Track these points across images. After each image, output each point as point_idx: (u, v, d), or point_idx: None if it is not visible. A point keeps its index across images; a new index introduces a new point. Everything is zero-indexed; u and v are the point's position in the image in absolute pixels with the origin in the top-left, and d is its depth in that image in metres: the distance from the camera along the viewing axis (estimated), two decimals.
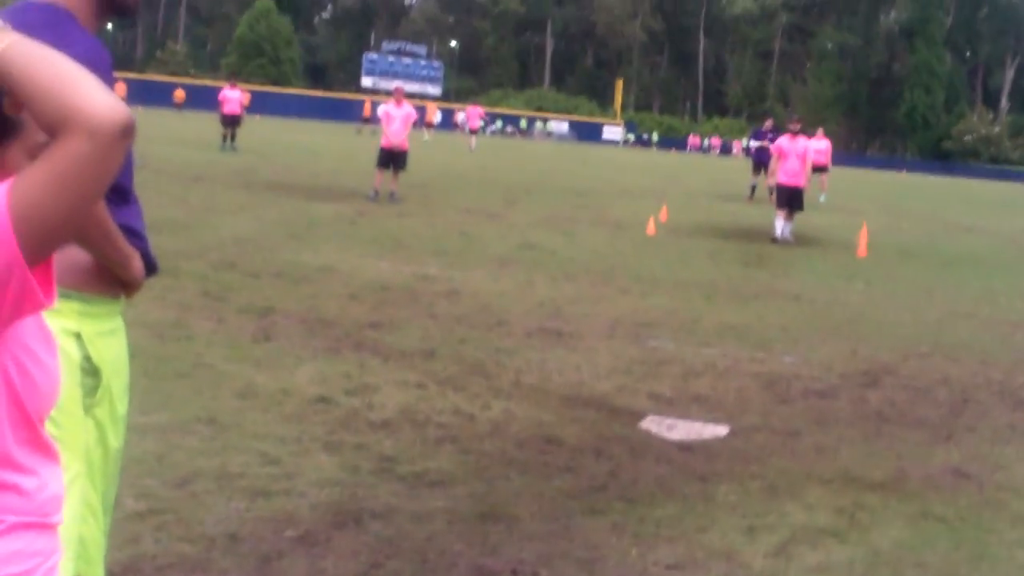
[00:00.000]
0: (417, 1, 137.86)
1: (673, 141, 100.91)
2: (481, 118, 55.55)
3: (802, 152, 17.23)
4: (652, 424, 5.94)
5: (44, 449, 1.60)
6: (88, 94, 1.38)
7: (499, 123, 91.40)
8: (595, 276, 11.42)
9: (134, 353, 5.94)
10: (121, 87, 38.94)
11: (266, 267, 10.10)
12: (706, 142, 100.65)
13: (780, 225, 16.86)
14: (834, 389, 7.09)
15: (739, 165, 53.40)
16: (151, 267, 2.63)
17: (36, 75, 1.38)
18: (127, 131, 1.39)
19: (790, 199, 16.99)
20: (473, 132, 50.93)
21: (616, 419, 5.99)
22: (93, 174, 1.39)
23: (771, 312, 10.02)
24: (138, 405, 5.34)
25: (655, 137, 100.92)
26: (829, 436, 5.97)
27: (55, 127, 1.37)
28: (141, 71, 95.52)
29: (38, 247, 1.39)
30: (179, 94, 63.78)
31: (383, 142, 18.74)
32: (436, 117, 60.93)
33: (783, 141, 17.57)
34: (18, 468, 1.54)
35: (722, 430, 5.92)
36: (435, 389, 6.30)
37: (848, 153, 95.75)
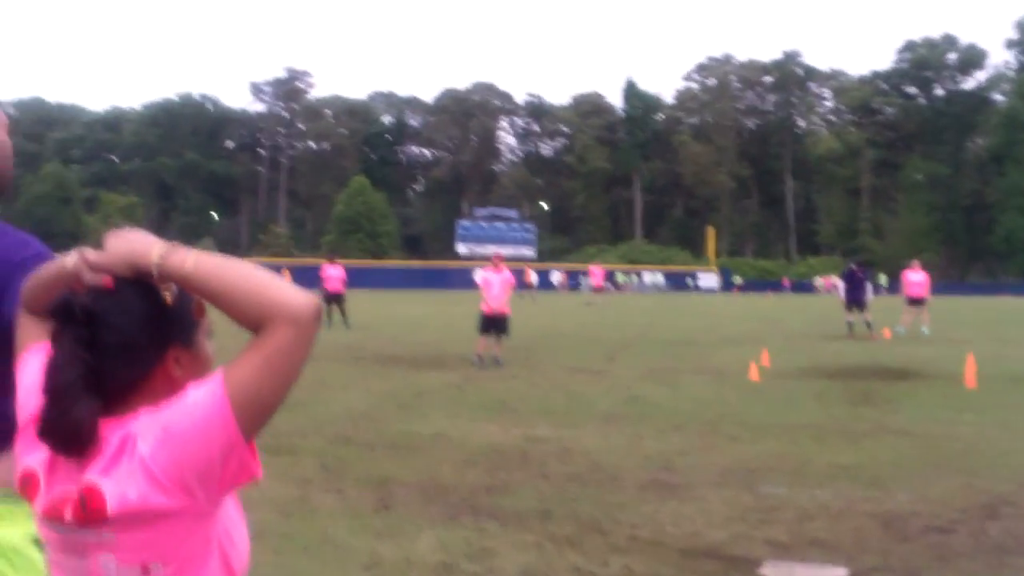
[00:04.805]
0: (506, 167, 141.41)
1: (772, 283, 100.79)
2: (604, 276, 57.96)
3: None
4: (771, 570, 5.99)
5: None
6: (283, 290, 1.63)
7: (582, 279, 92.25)
8: (702, 425, 11.48)
9: (261, 532, 6.24)
10: None
11: (380, 439, 10.38)
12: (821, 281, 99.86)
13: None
14: (953, 524, 7.03)
15: (836, 303, 52.91)
16: None
17: (232, 282, 1.63)
18: (320, 315, 1.65)
19: None
20: (598, 290, 53.18)
21: (734, 568, 6.04)
22: (299, 355, 1.63)
23: (882, 450, 9.97)
24: None
25: (738, 280, 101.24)
26: (951, 572, 5.94)
27: (259, 322, 1.62)
28: (246, 254, 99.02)
29: (253, 424, 1.63)
30: (285, 274, 65.99)
31: (484, 308, 19.08)
32: (534, 278, 62.48)
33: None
34: None
35: (841, 572, 5.94)
36: (553, 549, 6.41)
37: (948, 282, 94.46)
